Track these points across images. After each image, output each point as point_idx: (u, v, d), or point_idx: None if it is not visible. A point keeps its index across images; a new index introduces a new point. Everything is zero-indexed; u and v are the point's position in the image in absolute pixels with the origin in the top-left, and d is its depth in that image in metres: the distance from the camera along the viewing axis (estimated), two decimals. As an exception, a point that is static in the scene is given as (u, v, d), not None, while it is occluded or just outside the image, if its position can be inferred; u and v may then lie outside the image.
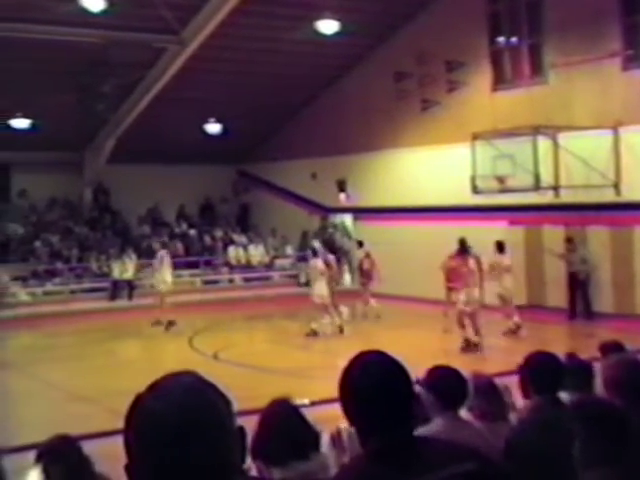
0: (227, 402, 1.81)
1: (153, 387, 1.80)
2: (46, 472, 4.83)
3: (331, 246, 28.25)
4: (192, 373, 1.83)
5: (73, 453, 4.91)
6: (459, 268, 16.98)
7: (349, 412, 2.52)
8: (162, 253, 21.58)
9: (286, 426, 4.87)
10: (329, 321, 19.05)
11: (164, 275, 21.14)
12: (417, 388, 5.11)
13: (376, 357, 2.57)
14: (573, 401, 3.86)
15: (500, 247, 18.30)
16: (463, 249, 17.26)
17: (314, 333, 18.67)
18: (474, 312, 16.25)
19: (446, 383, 4.52)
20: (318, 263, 19.26)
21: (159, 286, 21.22)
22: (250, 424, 5.16)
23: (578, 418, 3.07)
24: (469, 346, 15.93)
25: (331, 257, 20.79)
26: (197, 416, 1.73)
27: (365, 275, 22.20)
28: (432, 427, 4.41)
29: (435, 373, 4.65)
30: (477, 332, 16.22)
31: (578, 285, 20.05)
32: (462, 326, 16.37)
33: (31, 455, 5.16)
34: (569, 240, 20.22)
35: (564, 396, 4.61)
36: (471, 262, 16.86)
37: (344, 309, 20.32)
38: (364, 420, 2.48)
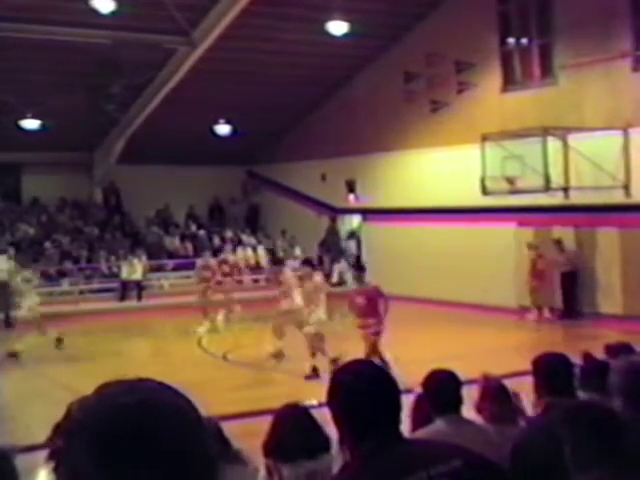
0: (188, 400, 1.59)
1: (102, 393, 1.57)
2: (56, 472, 4.84)
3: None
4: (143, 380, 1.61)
5: None
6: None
7: (340, 418, 2.58)
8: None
9: (299, 427, 5.03)
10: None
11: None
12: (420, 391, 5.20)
13: (365, 365, 2.71)
14: (563, 405, 3.85)
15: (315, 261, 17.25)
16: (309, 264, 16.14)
17: (14, 355, 17.25)
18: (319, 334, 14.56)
19: (442, 386, 4.68)
20: None
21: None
22: (259, 424, 5.17)
23: (567, 422, 3.07)
24: (315, 372, 14.08)
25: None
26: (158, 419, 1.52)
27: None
28: (432, 428, 4.50)
29: (432, 377, 4.83)
30: (314, 355, 14.43)
31: (568, 285, 20.24)
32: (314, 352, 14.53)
33: (40, 455, 5.17)
34: (558, 242, 20.40)
35: (582, 396, 4.61)
36: (317, 279, 15.29)
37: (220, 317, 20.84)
38: (355, 425, 2.54)
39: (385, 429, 2.51)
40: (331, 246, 29.03)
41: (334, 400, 2.59)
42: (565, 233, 20.69)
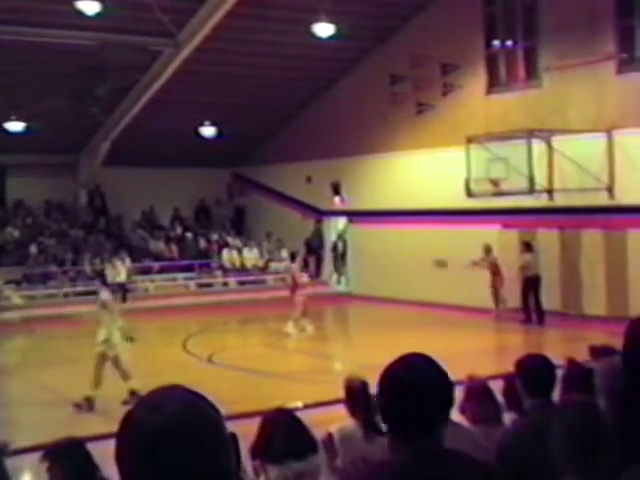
0: (217, 411, 1.81)
1: (146, 401, 1.78)
2: (50, 473, 4.86)
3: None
4: (181, 386, 1.82)
5: (79, 456, 4.93)
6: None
7: (389, 411, 2.53)
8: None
9: (287, 430, 5.15)
10: None
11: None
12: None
13: (422, 359, 2.59)
14: (557, 405, 3.89)
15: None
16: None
17: None
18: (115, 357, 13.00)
19: None
20: None
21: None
22: (245, 426, 5.19)
23: (560, 421, 3.10)
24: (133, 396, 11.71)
25: None
26: (195, 428, 1.72)
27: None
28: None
29: None
30: (126, 377, 12.53)
31: (532, 288, 20.00)
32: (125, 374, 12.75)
33: (25, 458, 5.16)
34: (527, 244, 20.27)
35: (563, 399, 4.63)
36: (105, 294, 13.64)
37: None
38: (403, 419, 2.48)
39: (433, 428, 2.47)
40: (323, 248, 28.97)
41: (385, 394, 2.54)
42: (549, 235, 20.78)
